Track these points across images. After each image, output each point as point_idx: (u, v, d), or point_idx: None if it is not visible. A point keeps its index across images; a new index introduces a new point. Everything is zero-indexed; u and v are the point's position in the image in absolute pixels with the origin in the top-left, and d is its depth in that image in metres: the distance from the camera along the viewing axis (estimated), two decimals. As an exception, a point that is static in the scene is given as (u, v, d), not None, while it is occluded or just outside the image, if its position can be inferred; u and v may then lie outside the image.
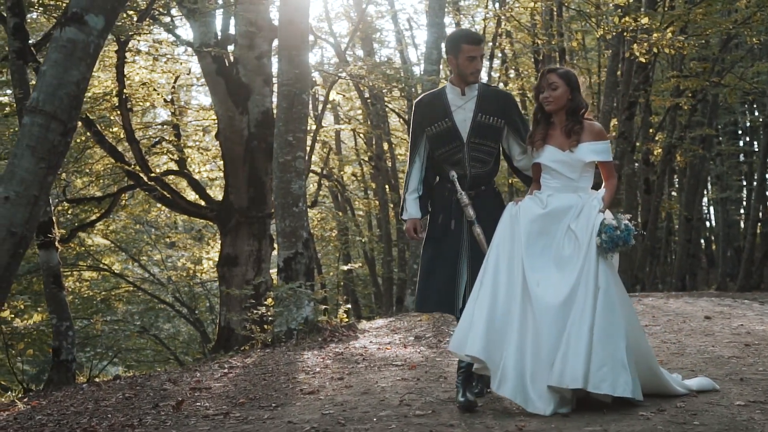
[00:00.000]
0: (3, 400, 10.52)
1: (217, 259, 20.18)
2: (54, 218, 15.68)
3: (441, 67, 16.74)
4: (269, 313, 12.64)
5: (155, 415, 7.22)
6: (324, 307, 13.36)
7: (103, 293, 26.83)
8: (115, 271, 27.28)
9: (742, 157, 34.48)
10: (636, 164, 27.67)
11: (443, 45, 7.33)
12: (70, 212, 24.36)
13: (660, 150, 28.48)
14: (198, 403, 7.61)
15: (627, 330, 6.17)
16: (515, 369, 6.13)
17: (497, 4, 27.30)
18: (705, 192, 34.34)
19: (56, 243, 15.21)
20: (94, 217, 24.09)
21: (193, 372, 9.93)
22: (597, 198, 6.50)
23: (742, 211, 35.41)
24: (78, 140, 21.92)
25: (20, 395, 11.41)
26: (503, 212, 6.63)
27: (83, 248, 25.82)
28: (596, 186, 6.70)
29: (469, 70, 6.81)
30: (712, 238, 39.14)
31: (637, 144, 26.81)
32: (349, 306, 16.46)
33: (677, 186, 34.18)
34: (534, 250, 6.34)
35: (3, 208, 6.81)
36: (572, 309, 6.11)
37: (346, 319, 13.08)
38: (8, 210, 6.82)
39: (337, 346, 11.11)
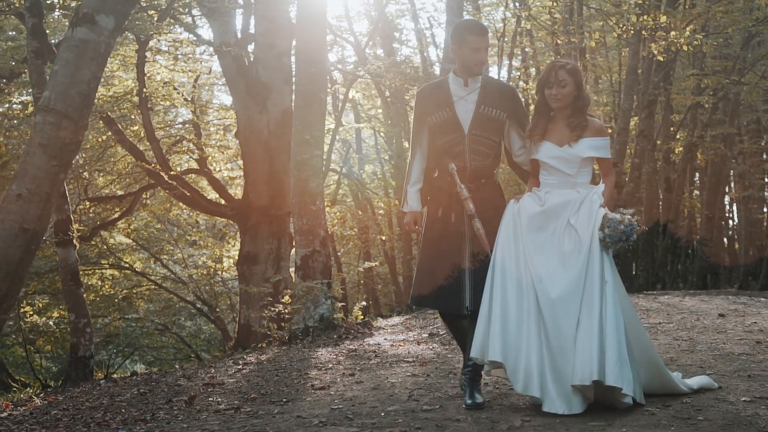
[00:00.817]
0: (22, 395, 10.62)
1: (236, 257, 20.27)
2: (73, 216, 15.82)
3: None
4: (286, 311, 12.71)
5: (168, 409, 7.30)
6: (341, 304, 13.40)
7: (125, 291, 26.98)
8: (137, 269, 27.42)
9: (765, 156, 34.23)
10: (658, 163, 27.63)
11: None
12: (92, 211, 24.52)
13: (681, 148, 28.41)
14: (210, 399, 7.69)
15: (627, 325, 6.16)
16: (538, 367, 6.11)
17: (517, 3, 27.28)
18: (727, 190, 34.16)
19: (74, 241, 15.34)
20: (115, 216, 24.27)
21: (208, 368, 10.02)
22: (597, 192, 6.44)
23: (765, 209, 35.18)
24: (99, 139, 22.10)
25: (38, 391, 11.53)
26: (505, 211, 6.58)
27: (105, 247, 25.98)
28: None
29: (473, 62, 6.70)
30: (735, 236, 38.93)
31: (658, 142, 26.76)
32: (364, 303, 16.48)
33: (698, 184, 34.03)
34: (535, 247, 6.30)
35: (16, 205, 6.93)
36: (581, 304, 6.09)
37: (362, 317, 13.13)
38: (21, 207, 6.93)
39: (351, 343, 11.18)
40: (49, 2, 15.93)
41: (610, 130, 29.96)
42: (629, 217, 6.27)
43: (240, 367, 9.82)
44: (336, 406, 6.86)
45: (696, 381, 6.70)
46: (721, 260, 31.50)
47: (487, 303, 6.37)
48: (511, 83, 26.43)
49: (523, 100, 8.73)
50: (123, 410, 7.50)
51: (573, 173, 6.49)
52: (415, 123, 6.97)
